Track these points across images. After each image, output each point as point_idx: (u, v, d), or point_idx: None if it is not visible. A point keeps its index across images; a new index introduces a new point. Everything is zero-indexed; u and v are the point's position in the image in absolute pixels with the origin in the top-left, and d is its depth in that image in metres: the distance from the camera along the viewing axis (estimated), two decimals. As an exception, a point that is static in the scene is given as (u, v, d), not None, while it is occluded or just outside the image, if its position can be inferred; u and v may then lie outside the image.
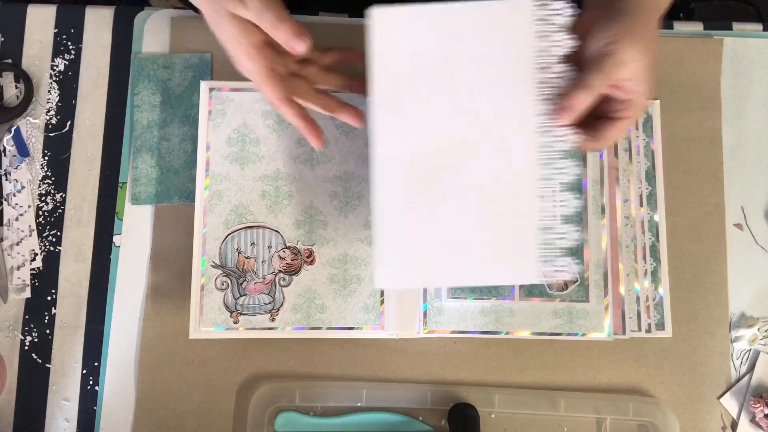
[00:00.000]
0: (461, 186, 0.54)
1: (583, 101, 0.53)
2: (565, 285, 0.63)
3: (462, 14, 0.54)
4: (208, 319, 0.63)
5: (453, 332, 0.64)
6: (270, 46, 0.57)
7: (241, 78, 0.69)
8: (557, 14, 0.53)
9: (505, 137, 0.54)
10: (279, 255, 0.64)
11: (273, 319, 0.64)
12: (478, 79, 0.54)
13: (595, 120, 0.55)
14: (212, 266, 0.64)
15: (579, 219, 0.64)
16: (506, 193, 0.54)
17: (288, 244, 0.65)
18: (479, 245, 0.54)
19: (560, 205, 0.53)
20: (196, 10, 0.59)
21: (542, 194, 0.53)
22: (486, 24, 0.54)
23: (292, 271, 0.64)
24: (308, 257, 0.64)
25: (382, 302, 0.64)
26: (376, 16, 0.54)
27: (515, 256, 0.53)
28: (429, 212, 0.54)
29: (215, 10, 0.56)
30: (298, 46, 0.56)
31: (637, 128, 0.69)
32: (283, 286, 0.64)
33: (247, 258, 0.64)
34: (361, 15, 0.71)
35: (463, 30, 0.54)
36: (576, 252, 0.64)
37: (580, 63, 0.54)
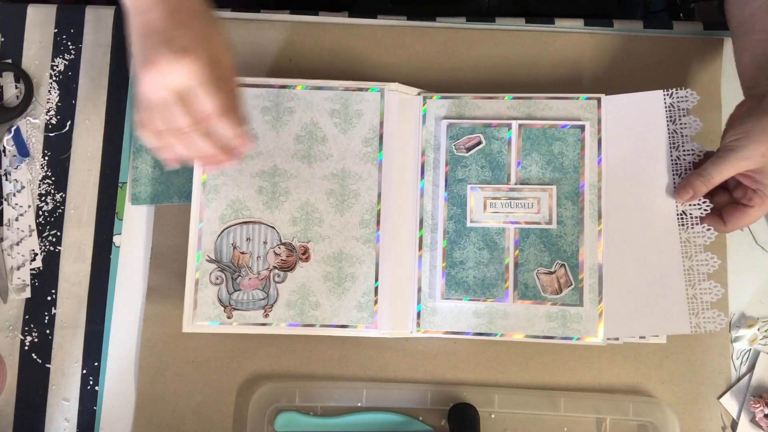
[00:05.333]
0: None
1: (700, 187, 0.60)
2: (559, 288, 0.63)
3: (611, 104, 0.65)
4: (201, 313, 0.63)
5: (446, 333, 0.64)
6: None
7: (239, 75, 0.70)
8: (684, 101, 0.64)
9: (650, 204, 0.64)
10: (274, 251, 0.64)
11: (266, 315, 0.63)
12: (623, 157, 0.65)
13: (732, 203, 0.62)
14: (207, 261, 0.64)
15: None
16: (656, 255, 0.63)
17: (283, 241, 0.65)
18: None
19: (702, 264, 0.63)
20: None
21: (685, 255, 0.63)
22: (627, 111, 0.65)
23: (287, 267, 0.64)
24: (303, 254, 0.64)
25: (375, 301, 0.64)
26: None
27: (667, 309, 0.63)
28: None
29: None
30: (245, 147, 0.54)
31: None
32: (278, 283, 0.64)
33: (243, 253, 0.64)
34: (359, 14, 0.71)
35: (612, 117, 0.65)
36: (570, 256, 0.64)
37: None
